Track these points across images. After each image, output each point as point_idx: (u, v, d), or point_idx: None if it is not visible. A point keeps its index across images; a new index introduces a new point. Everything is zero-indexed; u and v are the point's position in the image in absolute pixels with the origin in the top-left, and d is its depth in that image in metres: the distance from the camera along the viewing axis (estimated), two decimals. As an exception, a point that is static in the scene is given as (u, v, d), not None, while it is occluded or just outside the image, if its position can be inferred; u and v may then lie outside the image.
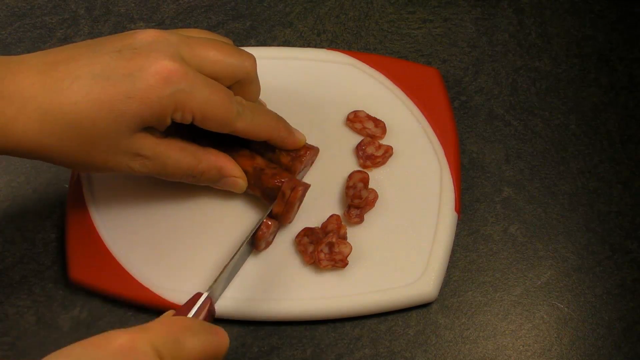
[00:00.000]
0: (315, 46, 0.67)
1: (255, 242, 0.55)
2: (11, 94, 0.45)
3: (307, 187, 0.56)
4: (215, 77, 0.50)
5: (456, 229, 0.59)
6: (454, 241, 0.59)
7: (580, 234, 0.61)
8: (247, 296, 0.55)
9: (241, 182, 0.55)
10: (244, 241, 0.54)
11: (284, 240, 0.57)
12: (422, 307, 0.57)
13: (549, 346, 0.57)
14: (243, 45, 0.67)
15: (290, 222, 0.57)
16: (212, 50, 0.50)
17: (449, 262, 0.58)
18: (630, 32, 0.69)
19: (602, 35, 0.69)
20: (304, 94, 0.63)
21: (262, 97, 0.60)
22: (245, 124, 0.52)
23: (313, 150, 0.58)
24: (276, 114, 0.56)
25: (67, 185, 0.60)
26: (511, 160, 0.63)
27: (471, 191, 0.62)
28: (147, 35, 0.48)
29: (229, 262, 0.52)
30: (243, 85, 0.53)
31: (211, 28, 0.67)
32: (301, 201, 0.57)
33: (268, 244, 0.57)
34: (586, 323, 0.58)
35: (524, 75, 0.67)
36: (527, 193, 0.62)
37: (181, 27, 0.67)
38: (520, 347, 0.57)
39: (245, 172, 0.56)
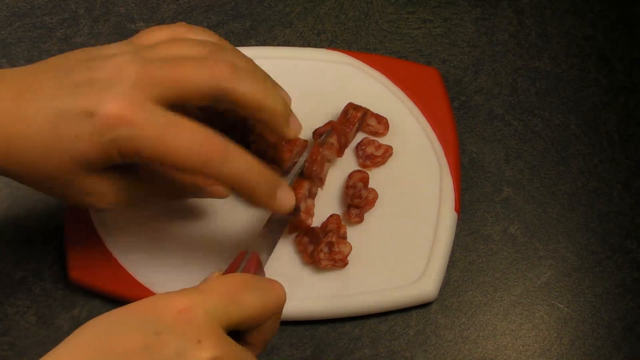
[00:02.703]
0: (315, 46, 0.67)
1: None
2: None
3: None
4: (186, 100, 0.46)
5: (456, 229, 0.59)
6: (454, 241, 0.59)
7: (580, 234, 0.61)
8: (247, 296, 0.55)
9: (221, 189, 0.53)
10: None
11: (284, 240, 0.57)
12: (422, 307, 0.57)
13: (549, 346, 0.57)
14: (243, 45, 0.67)
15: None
16: (178, 71, 0.45)
17: (449, 262, 0.58)
18: (630, 32, 0.69)
19: (602, 35, 0.69)
20: (303, 93, 0.62)
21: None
22: (215, 173, 0.45)
23: (301, 142, 0.58)
24: (259, 168, 0.47)
25: (67, 185, 0.60)
26: (511, 160, 0.63)
27: (471, 191, 0.62)
28: (107, 71, 0.45)
29: (270, 218, 0.52)
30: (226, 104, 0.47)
31: (211, 28, 0.67)
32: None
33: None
34: (586, 323, 0.58)
35: (524, 75, 0.67)
36: (527, 193, 0.62)
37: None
38: (520, 347, 0.57)
39: None
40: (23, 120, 0.44)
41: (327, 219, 0.58)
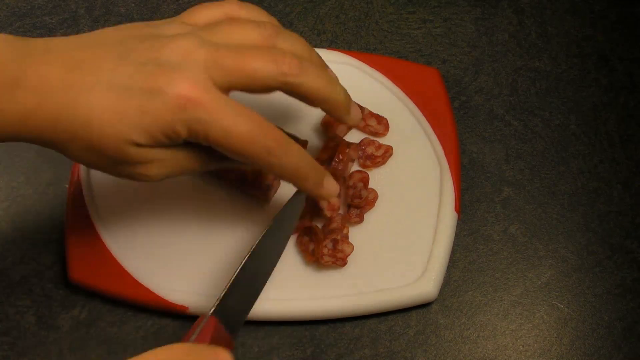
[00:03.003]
0: (315, 46, 0.67)
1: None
2: (34, 86, 0.44)
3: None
4: (250, 90, 0.47)
5: (456, 229, 0.59)
6: (454, 241, 0.59)
7: (580, 234, 0.61)
8: (247, 296, 0.55)
9: None
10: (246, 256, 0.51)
11: (284, 240, 0.57)
12: (422, 307, 0.57)
13: (549, 346, 0.57)
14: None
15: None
16: (247, 63, 0.46)
17: (449, 262, 0.58)
18: (630, 32, 0.69)
19: (602, 35, 0.69)
20: (304, 94, 0.62)
21: (261, 97, 0.60)
22: (268, 165, 0.48)
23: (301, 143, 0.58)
24: (311, 160, 0.50)
25: (67, 185, 0.60)
26: (511, 160, 0.63)
27: (471, 191, 0.62)
28: (175, 53, 0.45)
29: (233, 277, 0.50)
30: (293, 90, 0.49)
31: (211, 28, 0.68)
32: None
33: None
34: (586, 323, 0.58)
35: (524, 75, 0.67)
36: (527, 193, 0.62)
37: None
38: (520, 347, 0.57)
39: (245, 174, 0.56)
40: (80, 91, 0.44)
41: (331, 217, 0.58)
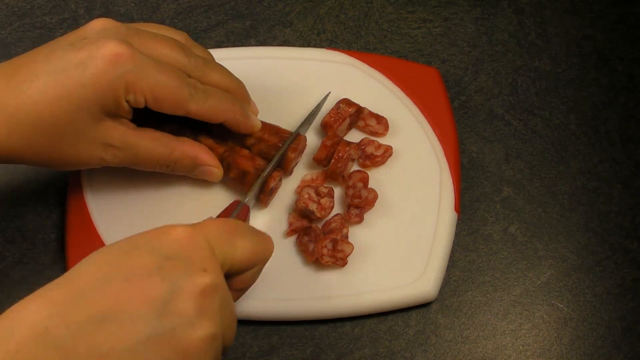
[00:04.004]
0: (315, 46, 0.67)
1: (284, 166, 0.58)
2: None
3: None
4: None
5: (456, 229, 0.59)
6: (454, 241, 0.59)
7: (580, 234, 0.61)
8: (247, 296, 0.55)
9: (216, 170, 0.56)
10: (279, 153, 0.56)
11: (284, 240, 0.57)
12: (422, 306, 0.57)
13: (548, 346, 0.57)
14: (243, 45, 0.67)
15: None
16: (159, 45, 0.52)
17: (449, 262, 0.58)
18: (630, 32, 0.69)
19: (602, 35, 0.69)
20: (303, 94, 0.62)
21: (262, 97, 0.60)
22: (198, 106, 0.52)
23: (300, 139, 0.59)
24: (233, 97, 0.55)
25: (67, 185, 0.59)
26: (511, 160, 0.63)
27: (471, 191, 0.62)
28: (96, 24, 0.50)
29: (265, 171, 0.55)
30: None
31: (211, 28, 0.68)
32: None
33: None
34: (586, 323, 0.58)
35: (524, 75, 0.67)
36: (527, 193, 0.62)
37: (181, 27, 0.67)
38: (520, 346, 0.57)
39: (246, 172, 0.56)
40: (22, 93, 0.47)
41: (331, 217, 0.58)
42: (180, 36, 0.55)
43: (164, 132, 0.55)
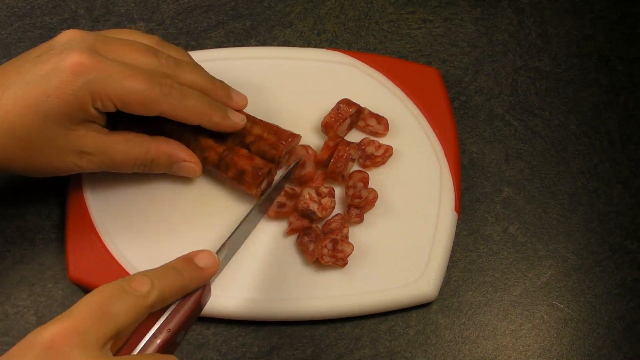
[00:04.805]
0: (315, 46, 0.67)
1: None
2: None
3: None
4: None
5: (456, 229, 0.59)
6: (454, 241, 0.59)
7: (580, 234, 0.61)
8: (247, 296, 0.55)
9: (193, 166, 0.56)
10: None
11: (285, 241, 0.57)
12: (422, 307, 0.57)
13: (549, 346, 0.57)
14: (243, 46, 0.67)
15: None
16: (127, 50, 0.52)
17: (449, 262, 0.58)
18: (630, 32, 0.69)
19: (602, 35, 0.69)
20: (303, 94, 0.62)
21: (262, 97, 0.60)
22: (172, 107, 0.52)
23: (294, 137, 0.58)
24: (209, 99, 0.55)
25: (67, 185, 0.59)
26: (511, 160, 0.63)
27: (471, 191, 0.62)
28: (63, 36, 0.51)
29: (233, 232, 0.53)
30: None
31: (211, 28, 0.68)
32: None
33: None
34: (586, 323, 0.58)
35: (524, 75, 0.67)
36: (527, 193, 0.62)
37: (181, 27, 0.67)
38: (520, 347, 0.57)
39: (244, 171, 0.56)
40: None
41: (332, 217, 0.58)
42: (151, 40, 0.55)
43: (164, 132, 0.55)
